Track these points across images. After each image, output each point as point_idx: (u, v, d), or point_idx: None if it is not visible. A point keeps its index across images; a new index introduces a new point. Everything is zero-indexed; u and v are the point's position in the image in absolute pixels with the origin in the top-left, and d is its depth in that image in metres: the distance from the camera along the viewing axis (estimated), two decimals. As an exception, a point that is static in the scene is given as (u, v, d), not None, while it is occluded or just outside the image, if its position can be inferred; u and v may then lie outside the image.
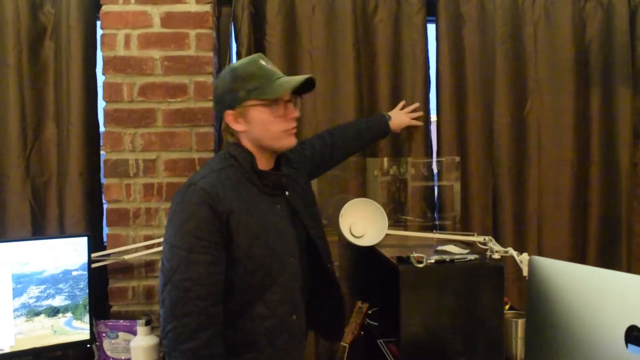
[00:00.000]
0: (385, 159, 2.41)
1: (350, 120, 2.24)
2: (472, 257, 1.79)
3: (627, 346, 1.11)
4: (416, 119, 2.32)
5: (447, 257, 1.77)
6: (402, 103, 2.32)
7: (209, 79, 2.20)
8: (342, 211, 2.08)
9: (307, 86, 1.50)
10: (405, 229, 2.39)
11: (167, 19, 2.18)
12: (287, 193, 1.57)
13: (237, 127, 1.48)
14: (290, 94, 1.48)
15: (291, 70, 2.32)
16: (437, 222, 2.43)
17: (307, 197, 1.70)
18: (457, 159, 2.38)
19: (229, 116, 1.47)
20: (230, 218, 1.39)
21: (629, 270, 2.44)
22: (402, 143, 2.41)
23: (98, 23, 2.24)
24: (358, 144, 2.14)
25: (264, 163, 1.53)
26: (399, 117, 2.26)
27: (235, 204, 1.41)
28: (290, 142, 1.52)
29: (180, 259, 1.36)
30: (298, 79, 1.45)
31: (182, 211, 1.39)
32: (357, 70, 2.35)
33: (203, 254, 1.36)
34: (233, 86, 1.45)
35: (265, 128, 1.47)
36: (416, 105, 2.33)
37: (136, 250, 2.17)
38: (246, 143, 1.50)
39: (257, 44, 2.31)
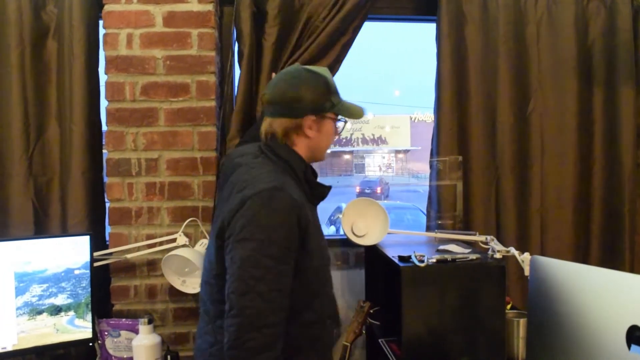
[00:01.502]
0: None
1: None
2: (473, 256, 1.79)
3: (628, 346, 1.11)
4: None
5: (448, 257, 1.77)
6: None
7: (211, 79, 2.20)
8: (344, 210, 2.08)
9: None
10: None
11: (170, 19, 2.18)
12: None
13: (310, 133, 1.49)
14: None
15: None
16: (439, 222, 2.43)
17: None
18: (460, 158, 2.38)
19: (309, 121, 1.48)
20: (309, 228, 1.38)
21: (631, 270, 2.44)
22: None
23: (100, 22, 2.25)
24: None
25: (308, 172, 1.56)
26: None
27: (310, 214, 1.41)
28: (324, 157, 1.59)
29: (268, 268, 1.30)
30: (362, 110, 1.55)
31: (272, 216, 1.33)
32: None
33: (288, 265, 1.34)
34: (325, 95, 1.49)
35: (327, 140, 1.54)
36: None
37: (138, 249, 2.17)
38: (302, 149, 1.51)
39: (257, 44, 2.31)
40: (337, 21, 2.25)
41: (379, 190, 21.96)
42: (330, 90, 1.50)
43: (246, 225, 1.32)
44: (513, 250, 1.88)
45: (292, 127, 1.48)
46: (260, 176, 1.40)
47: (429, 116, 34.63)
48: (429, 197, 2.47)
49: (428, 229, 2.43)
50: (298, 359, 1.43)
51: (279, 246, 1.31)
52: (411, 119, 37.73)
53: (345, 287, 2.47)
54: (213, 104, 2.20)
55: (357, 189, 21.97)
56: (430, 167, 2.47)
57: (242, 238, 1.32)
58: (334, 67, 2.33)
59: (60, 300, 1.94)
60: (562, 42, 2.45)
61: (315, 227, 1.45)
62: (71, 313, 1.96)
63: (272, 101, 1.49)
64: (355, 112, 1.54)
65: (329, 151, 1.60)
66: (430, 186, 2.47)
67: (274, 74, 2.15)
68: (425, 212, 2.51)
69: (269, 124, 1.50)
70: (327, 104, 1.49)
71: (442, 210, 2.39)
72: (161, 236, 2.17)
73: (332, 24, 2.25)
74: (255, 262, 1.30)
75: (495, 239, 2.01)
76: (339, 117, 1.55)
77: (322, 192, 1.54)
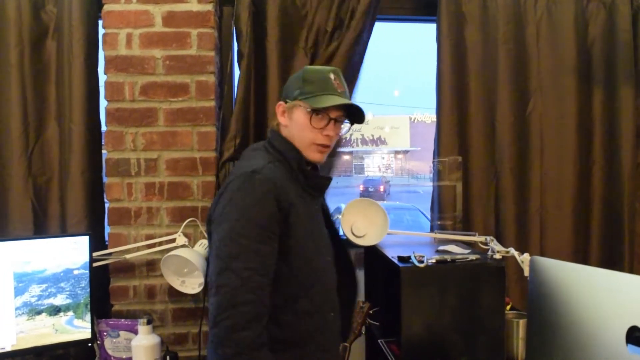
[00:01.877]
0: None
1: None
2: (473, 257, 1.79)
3: (627, 347, 1.11)
4: None
5: (448, 257, 1.77)
6: None
7: (211, 79, 2.20)
8: (344, 210, 2.08)
9: (359, 116, 1.54)
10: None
11: (169, 19, 2.18)
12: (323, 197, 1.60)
13: (282, 119, 1.54)
14: (342, 117, 1.53)
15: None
16: (439, 222, 2.43)
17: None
18: (459, 158, 2.38)
19: (280, 107, 1.54)
20: (291, 211, 1.40)
21: (631, 271, 2.44)
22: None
23: (100, 22, 2.25)
24: None
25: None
26: None
27: (294, 198, 1.43)
28: (316, 157, 1.52)
29: (242, 246, 1.33)
30: (338, 100, 1.47)
31: (247, 197, 1.36)
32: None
33: (265, 244, 1.35)
34: (295, 83, 1.52)
35: (300, 130, 1.50)
36: None
37: (137, 249, 2.17)
38: (289, 137, 1.53)
39: (258, 44, 2.31)
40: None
41: (381, 188, 22.46)
42: (302, 80, 1.50)
43: (224, 207, 1.38)
44: (513, 251, 1.88)
45: (276, 114, 1.56)
46: (246, 164, 1.45)
47: (428, 117, 34.63)
48: (432, 198, 2.47)
49: (432, 229, 2.43)
50: (296, 350, 1.44)
51: (253, 225, 1.34)
52: (410, 119, 37.74)
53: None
54: (212, 104, 2.20)
55: (361, 188, 22.30)
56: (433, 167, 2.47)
57: (220, 220, 1.38)
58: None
59: (60, 300, 1.94)
60: (562, 42, 2.45)
61: (306, 214, 1.47)
62: (70, 313, 1.96)
63: None
64: (322, 101, 1.46)
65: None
66: (433, 187, 2.47)
67: None
68: (423, 212, 2.50)
69: None
70: (297, 92, 1.50)
71: (442, 211, 2.39)
72: (160, 236, 2.17)
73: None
74: (230, 241, 1.34)
75: (494, 240, 2.01)
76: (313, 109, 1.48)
77: (319, 182, 1.55)
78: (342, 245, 1.67)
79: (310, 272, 1.46)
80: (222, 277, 1.32)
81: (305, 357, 1.45)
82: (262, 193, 1.36)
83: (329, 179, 1.58)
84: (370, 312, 2.04)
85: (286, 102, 1.52)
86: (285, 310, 1.41)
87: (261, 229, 1.35)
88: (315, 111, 1.47)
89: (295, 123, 1.50)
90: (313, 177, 1.53)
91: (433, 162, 2.46)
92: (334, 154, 2.13)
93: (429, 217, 2.54)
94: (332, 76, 1.51)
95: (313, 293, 1.46)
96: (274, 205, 1.36)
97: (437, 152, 2.44)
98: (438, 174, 2.42)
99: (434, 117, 2.54)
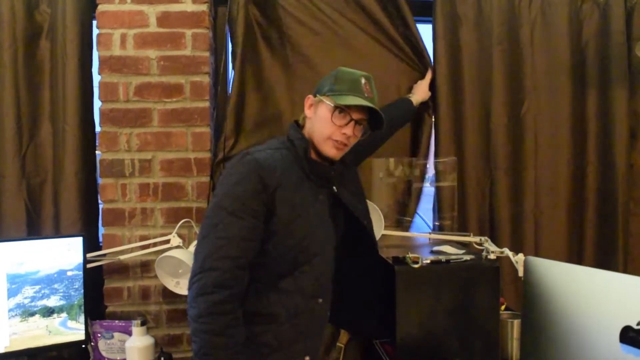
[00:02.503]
0: (392, 160, 2.41)
1: None
2: (467, 257, 1.79)
3: (621, 346, 1.11)
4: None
5: (442, 258, 1.77)
6: (428, 75, 2.37)
7: (205, 79, 2.19)
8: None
9: (380, 123, 1.58)
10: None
11: (163, 19, 2.17)
12: (335, 188, 1.62)
13: (308, 112, 1.60)
14: (364, 120, 1.57)
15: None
16: (435, 223, 2.43)
17: (359, 193, 1.78)
18: (455, 159, 2.37)
19: (308, 100, 1.60)
20: (277, 192, 1.47)
21: (625, 271, 2.44)
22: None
23: (94, 23, 2.24)
24: (392, 131, 2.18)
25: (315, 154, 1.60)
26: (423, 92, 2.34)
27: (284, 181, 1.49)
28: (331, 152, 1.57)
29: (221, 217, 1.43)
30: (360, 101, 1.52)
31: (234, 175, 1.48)
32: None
33: (243, 219, 1.43)
34: (327, 80, 1.58)
35: (320, 125, 1.56)
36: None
37: (132, 250, 2.16)
38: (307, 130, 1.60)
39: (254, 44, 2.32)
40: None
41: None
42: (333, 78, 1.56)
43: (217, 185, 1.54)
44: (507, 251, 1.88)
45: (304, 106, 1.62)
46: (249, 149, 1.56)
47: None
48: (434, 199, 2.47)
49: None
50: (272, 325, 1.49)
51: (233, 200, 1.44)
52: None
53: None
54: (207, 104, 2.20)
55: None
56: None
57: (213, 197, 1.52)
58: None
59: (53, 301, 1.93)
60: (556, 43, 2.46)
61: (302, 198, 1.52)
62: (64, 315, 1.95)
63: None
64: (343, 100, 1.52)
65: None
66: (434, 188, 2.47)
67: None
68: (421, 215, 2.50)
69: None
70: (326, 88, 1.56)
71: (438, 211, 2.39)
72: (155, 237, 2.16)
73: None
74: (211, 213, 1.46)
75: (489, 240, 2.01)
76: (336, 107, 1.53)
77: (322, 170, 1.59)
78: (362, 233, 1.69)
79: (299, 252, 1.50)
80: (200, 245, 1.44)
81: (280, 335, 1.50)
82: (247, 172, 1.46)
83: (329, 167, 1.60)
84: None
85: (315, 97, 1.58)
86: (269, 286, 1.50)
87: (241, 204, 1.43)
88: (338, 108, 1.52)
89: (318, 117, 1.56)
90: (317, 166, 1.58)
91: (431, 162, 2.46)
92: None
93: (424, 218, 2.53)
94: (363, 80, 1.56)
95: (298, 274, 1.51)
96: (258, 183, 1.45)
97: (435, 153, 2.44)
98: (435, 175, 2.42)
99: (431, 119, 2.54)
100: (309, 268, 1.52)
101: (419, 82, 2.35)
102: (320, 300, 1.56)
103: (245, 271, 1.44)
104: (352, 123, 1.54)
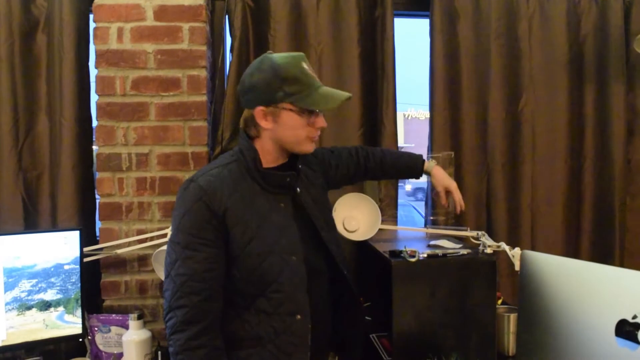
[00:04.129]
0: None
1: (379, 148, 2.09)
2: (464, 251, 1.79)
3: (617, 340, 1.11)
4: None
5: (439, 252, 1.77)
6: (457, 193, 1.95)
7: (202, 73, 2.19)
8: (335, 205, 2.07)
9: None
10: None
11: (161, 12, 2.17)
12: (298, 190, 1.54)
13: (264, 124, 1.44)
14: None
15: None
16: (431, 217, 2.44)
17: (322, 202, 1.66)
18: (452, 154, 2.38)
19: (260, 112, 1.43)
20: (227, 215, 1.40)
21: (621, 265, 2.45)
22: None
23: (91, 16, 2.23)
24: (386, 177, 2.15)
25: (274, 158, 1.50)
26: (442, 178, 1.96)
27: (232, 202, 1.41)
28: (309, 148, 1.50)
29: (178, 253, 1.39)
30: (340, 97, 1.44)
31: (181, 206, 1.42)
32: (362, 68, 2.37)
33: (197, 251, 1.38)
34: (272, 84, 1.40)
35: (292, 132, 1.45)
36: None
37: (129, 244, 2.16)
38: (266, 140, 1.47)
39: (260, 38, 2.31)
40: None
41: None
42: (280, 79, 1.39)
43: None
44: (504, 246, 1.88)
45: (248, 117, 1.47)
46: (198, 171, 1.50)
47: (422, 113, 34.63)
48: (426, 194, 2.47)
49: (426, 224, 2.44)
50: (256, 349, 1.44)
51: (184, 233, 1.40)
52: (404, 116, 37.72)
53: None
54: (204, 98, 2.19)
55: None
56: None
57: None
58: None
59: (50, 295, 1.93)
60: (554, 38, 2.46)
61: (257, 214, 1.43)
62: (61, 308, 1.95)
63: (238, 91, 1.52)
64: (324, 102, 1.42)
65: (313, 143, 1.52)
66: (427, 182, 2.47)
67: None
68: (416, 208, 2.51)
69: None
70: (279, 94, 1.39)
71: (435, 206, 2.39)
72: (152, 231, 2.16)
73: None
74: (169, 249, 1.43)
75: (486, 234, 2.01)
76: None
77: (276, 179, 1.49)
78: (327, 244, 1.58)
79: (264, 272, 1.42)
80: (165, 283, 1.42)
81: (265, 357, 1.44)
82: (192, 202, 1.40)
83: (285, 176, 1.49)
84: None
85: (268, 107, 1.42)
86: (246, 308, 1.45)
87: (192, 237, 1.39)
88: (309, 110, 1.43)
89: (283, 126, 1.43)
90: (270, 176, 1.48)
91: (427, 157, 2.46)
92: None
93: (420, 211, 2.54)
94: (305, 66, 1.43)
95: (269, 293, 1.43)
96: (206, 211, 1.39)
97: (431, 148, 2.44)
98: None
99: (427, 114, 2.54)
100: (278, 286, 1.43)
101: (448, 176, 1.99)
102: (299, 316, 1.46)
103: (214, 301, 1.40)
104: (320, 114, 1.47)
